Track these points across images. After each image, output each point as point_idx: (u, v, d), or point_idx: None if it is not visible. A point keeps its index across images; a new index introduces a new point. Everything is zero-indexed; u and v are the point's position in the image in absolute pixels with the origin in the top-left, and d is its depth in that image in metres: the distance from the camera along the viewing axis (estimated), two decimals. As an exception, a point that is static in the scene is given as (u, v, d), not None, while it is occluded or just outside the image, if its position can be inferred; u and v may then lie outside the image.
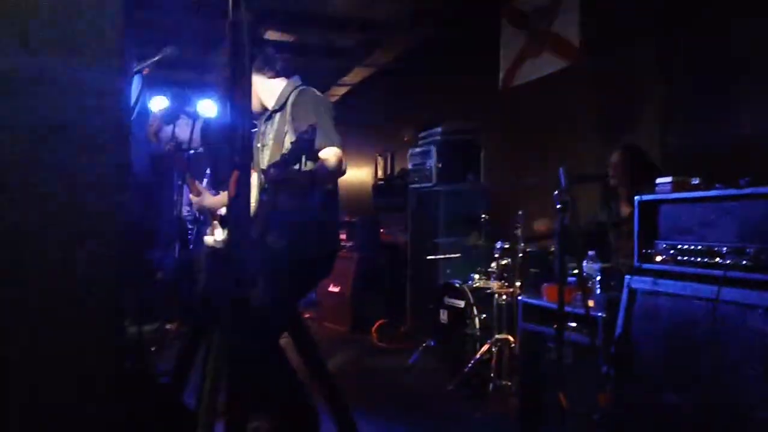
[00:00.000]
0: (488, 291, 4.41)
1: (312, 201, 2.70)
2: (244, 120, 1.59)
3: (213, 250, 3.02)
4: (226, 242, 2.85)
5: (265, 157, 2.87)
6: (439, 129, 5.75)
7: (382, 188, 7.70)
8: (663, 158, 3.96)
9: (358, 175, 9.19)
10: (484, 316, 4.38)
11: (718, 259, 2.52)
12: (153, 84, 2.77)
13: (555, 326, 2.84)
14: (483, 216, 4.80)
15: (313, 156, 2.57)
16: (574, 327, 3.19)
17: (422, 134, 6.04)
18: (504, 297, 4.25)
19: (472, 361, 4.20)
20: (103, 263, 1.38)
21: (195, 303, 3.69)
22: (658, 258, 2.79)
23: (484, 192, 5.51)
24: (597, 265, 3.30)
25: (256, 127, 3.03)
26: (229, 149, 1.57)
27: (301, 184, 2.55)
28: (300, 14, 6.78)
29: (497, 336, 4.19)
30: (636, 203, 2.91)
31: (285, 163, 2.35)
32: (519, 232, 4.22)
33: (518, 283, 4.20)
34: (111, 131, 1.39)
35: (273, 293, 2.62)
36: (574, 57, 4.91)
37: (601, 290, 3.24)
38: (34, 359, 1.34)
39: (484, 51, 6.04)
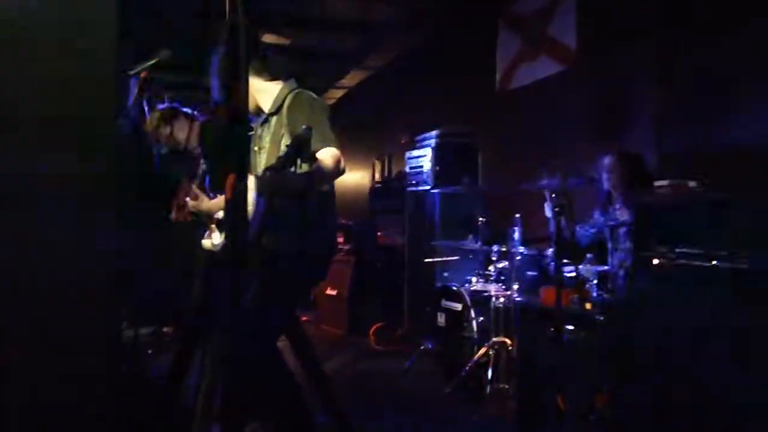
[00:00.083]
0: (485, 294, 4.40)
1: (308, 203, 2.69)
2: (240, 123, 1.58)
3: (210, 253, 3.02)
4: (223, 245, 2.85)
5: (261, 161, 2.87)
6: (436, 132, 5.75)
7: (379, 191, 7.70)
8: (660, 161, 3.97)
9: (356, 177, 9.20)
10: (482, 318, 4.37)
11: (715, 262, 2.52)
12: (149, 86, 2.77)
13: (552, 328, 2.84)
14: (480, 218, 4.81)
15: (310, 158, 2.57)
16: (571, 329, 3.19)
17: (419, 137, 6.04)
18: (501, 300, 4.24)
19: (470, 364, 4.20)
20: (100, 265, 1.38)
21: (190, 306, 3.70)
22: (656, 261, 2.79)
23: (481, 194, 5.52)
24: (594, 268, 3.30)
25: (252, 130, 3.03)
26: (226, 152, 1.56)
27: (299, 187, 2.55)
28: (297, 17, 6.79)
29: (494, 339, 4.19)
30: (634, 206, 2.91)
31: (282, 165, 2.35)
32: (516, 234, 4.22)
33: (515, 286, 4.20)
34: (103, 132, 1.39)
35: (269, 296, 2.61)
36: (571, 60, 4.92)
37: (598, 293, 3.24)
38: (33, 360, 1.34)
39: (481, 54, 6.05)
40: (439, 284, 5.10)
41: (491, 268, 4.49)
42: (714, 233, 2.57)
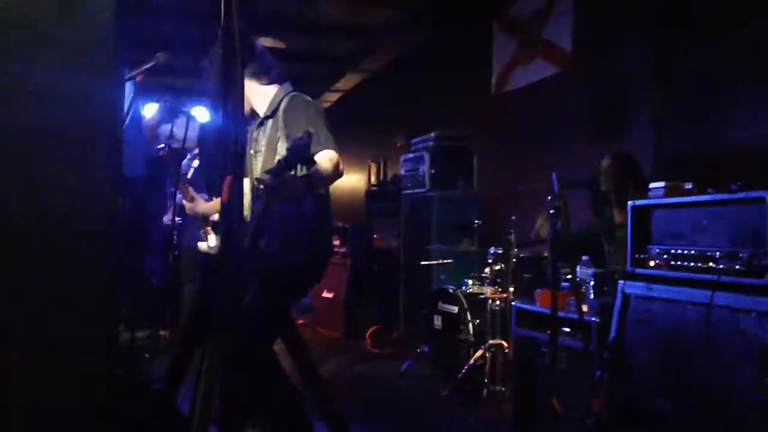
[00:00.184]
0: (482, 296, 4.41)
1: (304, 206, 2.69)
2: (236, 126, 1.58)
3: (207, 256, 3.02)
4: (219, 248, 2.84)
5: (257, 164, 2.87)
6: (431, 135, 5.76)
7: (375, 194, 7.71)
8: (656, 163, 3.98)
9: (351, 181, 9.20)
10: (478, 321, 4.38)
11: (711, 264, 2.53)
12: (146, 90, 2.77)
13: (548, 331, 2.84)
14: (476, 221, 4.81)
15: (308, 161, 2.57)
16: (567, 332, 3.19)
17: (415, 140, 6.04)
18: (497, 302, 4.25)
19: (466, 367, 4.20)
20: (98, 267, 1.38)
21: (186, 309, 3.69)
22: (652, 263, 2.80)
23: (477, 197, 5.53)
24: (590, 270, 3.30)
25: (248, 133, 3.03)
26: (221, 155, 1.56)
27: (298, 190, 2.55)
28: (292, 20, 6.79)
29: (491, 341, 4.19)
30: (629, 208, 2.91)
31: (280, 169, 2.34)
32: (512, 237, 4.23)
33: (512, 289, 4.21)
34: (104, 137, 1.39)
35: (265, 298, 2.61)
36: (566, 63, 4.94)
37: (594, 295, 3.25)
38: (33, 360, 1.34)
39: (477, 57, 6.06)
40: (435, 287, 5.11)
41: (487, 270, 4.49)
42: (710, 235, 2.58)
